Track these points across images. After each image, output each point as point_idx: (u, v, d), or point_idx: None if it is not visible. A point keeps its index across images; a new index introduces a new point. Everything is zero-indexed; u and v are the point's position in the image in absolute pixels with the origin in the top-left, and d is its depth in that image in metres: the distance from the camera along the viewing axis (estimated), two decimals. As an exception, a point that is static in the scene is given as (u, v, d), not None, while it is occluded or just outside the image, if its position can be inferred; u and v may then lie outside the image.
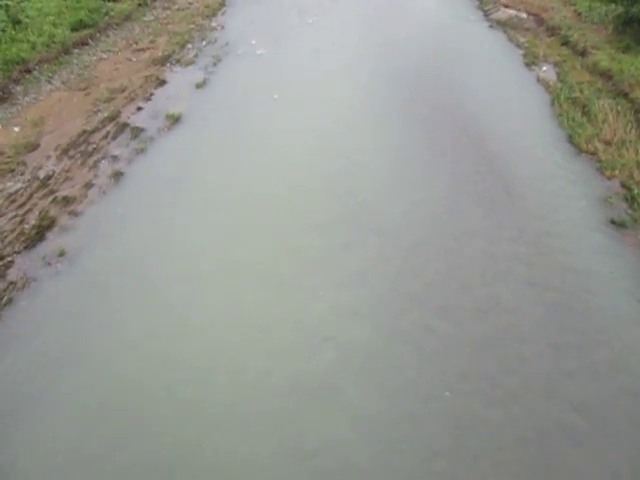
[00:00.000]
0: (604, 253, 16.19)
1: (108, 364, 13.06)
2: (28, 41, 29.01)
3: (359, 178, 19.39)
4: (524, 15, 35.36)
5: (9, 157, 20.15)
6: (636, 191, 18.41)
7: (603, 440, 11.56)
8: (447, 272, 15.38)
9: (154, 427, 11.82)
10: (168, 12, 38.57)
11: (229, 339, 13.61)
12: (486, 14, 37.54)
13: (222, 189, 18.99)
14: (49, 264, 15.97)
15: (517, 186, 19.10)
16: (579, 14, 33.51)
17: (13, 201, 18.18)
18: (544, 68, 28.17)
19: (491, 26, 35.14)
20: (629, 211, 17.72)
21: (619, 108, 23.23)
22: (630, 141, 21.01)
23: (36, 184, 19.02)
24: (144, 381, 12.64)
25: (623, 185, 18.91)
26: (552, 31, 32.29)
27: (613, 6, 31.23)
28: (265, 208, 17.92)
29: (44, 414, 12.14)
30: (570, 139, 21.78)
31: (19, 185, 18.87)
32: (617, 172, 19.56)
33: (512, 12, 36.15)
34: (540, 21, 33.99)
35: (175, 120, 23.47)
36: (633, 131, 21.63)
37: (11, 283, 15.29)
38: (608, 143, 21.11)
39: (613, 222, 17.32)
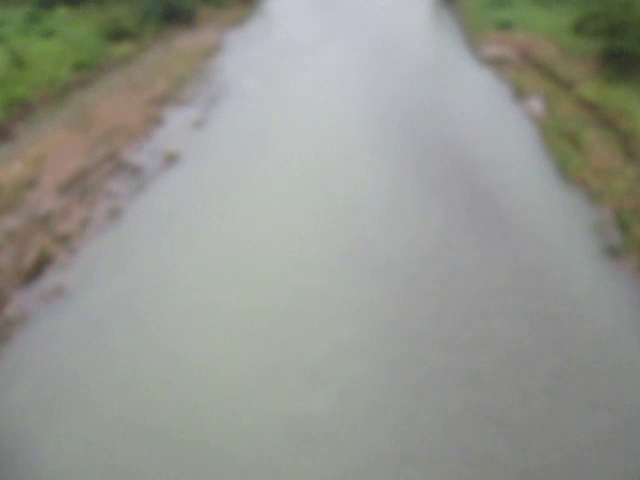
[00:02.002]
0: (600, 281, 15.61)
1: (101, 406, 12.31)
2: (31, 81, 28.68)
3: (354, 213, 18.89)
4: (510, 51, 35.25)
5: (9, 194, 19.59)
6: (627, 219, 17.90)
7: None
8: (444, 306, 14.75)
9: (146, 469, 11.07)
10: (167, 54, 38.45)
11: (228, 377, 12.90)
12: (474, 50, 37.52)
13: (220, 227, 18.46)
14: (46, 301, 15.32)
15: (510, 217, 18.60)
16: (563, 49, 33.40)
17: (12, 237, 17.56)
18: (532, 102, 27.91)
19: (479, 62, 35.08)
20: (621, 238, 17.19)
21: (606, 138, 22.88)
22: (618, 170, 20.59)
23: (35, 221, 18.43)
24: (138, 424, 11.89)
25: (614, 213, 18.40)
26: (538, 66, 32.13)
27: (596, 41, 31.08)
28: (262, 245, 17.38)
29: (33, 456, 11.37)
30: (560, 169, 21.37)
31: (18, 222, 18.27)
32: (607, 200, 19.08)
33: (499, 48, 36.06)
34: (526, 56, 33.86)
35: (173, 158, 23.04)
36: (621, 160, 21.22)
37: (8, 320, 14.60)
38: (597, 172, 20.67)
39: (607, 250, 16.77)
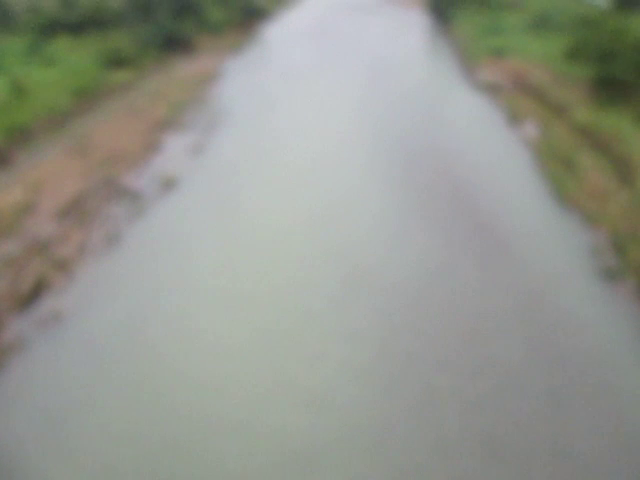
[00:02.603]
0: (597, 305, 15.43)
1: (99, 431, 12.06)
2: (31, 109, 28.71)
3: (355, 240, 18.77)
4: (504, 77, 35.44)
5: (7, 219, 19.45)
6: (623, 242, 17.80)
7: None
8: (442, 329, 14.57)
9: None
10: (166, 81, 38.59)
11: (226, 402, 12.66)
12: (469, 77, 37.74)
13: (217, 252, 18.31)
14: (43, 326, 15.09)
15: (508, 241, 18.48)
16: (556, 75, 33.58)
17: (9, 263, 17.38)
18: (526, 126, 27.97)
19: (474, 88, 35.27)
20: (618, 262, 17.06)
21: (600, 162, 22.87)
22: (613, 193, 20.53)
23: (33, 246, 18.26)
24: (136, 451, 11.64)
25: (609, 236, 18.30)
26: (531, 91, 32.27)
27: (587, 67, 31.26)
28: (259, 270, 17.21)
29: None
30: (555, 193, 21.31)
31: (16, 247, 18.11)
32: (603, 223, 18.99)
33: (493, 75, 36.27)
34: (520, 82, 34.03)
35: (171, 184, 22.97)
36: (615, 183, 21.18)
37: (4, 346, 14.36)
38: (592, 196, 20.62)
39: (604, 273, 16.64)
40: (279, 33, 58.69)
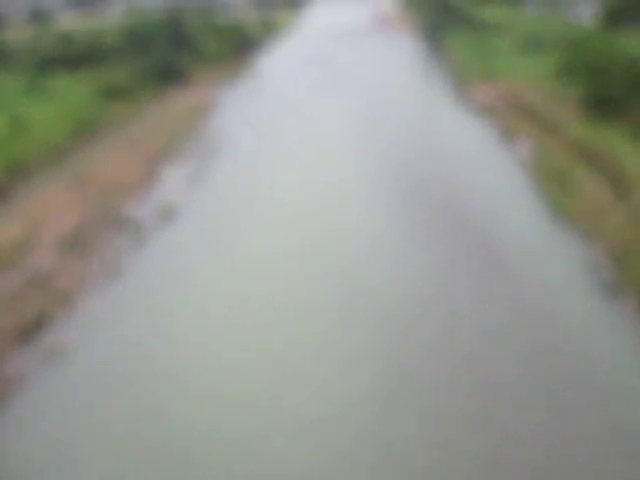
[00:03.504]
0: (598, 321, 15.24)
1: (98, 468, 11.77)
2: (30, 144, 28.73)
3: (353, 262, 18.64)
4: (498, 98, 35.59)
5: (8, 253, 19.30)
6: (621, 257, 17.65)
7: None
8: (444, 348, 14.34)
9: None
10: (163, 112, 38.72)
11: (224, 437, 12.39)
12: (463, 99, 37.92)
13: (217, 282, 18.11)
14: (44, 361, 14.84)
15: (506, 259, 18.34)
16: (548, 95, 33.74)
17: (10, 296, 17.19)
18: (521, 146, 28.00)
19: (469, 110, 35.42)
20: (616, 276, 16.90)
21: (595, 178, 22.83)
22: (609, 209, 20.45)
23: (33, 279, 18.07)
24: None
25: (607, 251, 18.16)
26: (525, 111, 32.38)
27: (579, 86, 31.43)
28: (259, 299, 17.01)
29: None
30: (553, 210, 21.23)
31: (17, 280, 17.93)
32: (600, 239, 18.86)
33: (487, 96, 36.43)
34: (513, 103, 34.15)
35: (170, 214, 22.85)
36: (611, 199, 21.11)
37: (5, 381, 14.11)
38: (589, 212, 20.52)
39: (603, 289, 16.47)
40: (272, 63, 59.13)
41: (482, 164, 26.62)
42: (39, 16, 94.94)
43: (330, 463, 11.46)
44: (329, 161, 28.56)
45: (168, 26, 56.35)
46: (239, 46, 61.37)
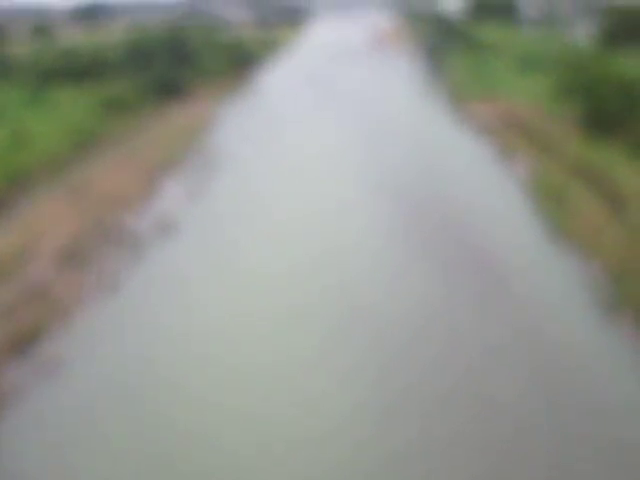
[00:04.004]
0: (597, 341, 15.08)
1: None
2: (31, 156, 28.68)
3: (352, 281, 18.50)
4: (496, 117, 35.66)
5: (5, 264, 19.14)
6: (619, 276, 17.54)
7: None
8: (442, 368, 14.17)
9: None
10: (164, 126, 38.75)
11: (221, 460, 12.18)
12: (462, 119, 38.00)
13: (216, 297, 17.90)
14: (40, 374, 14.63)
15: (505, 278, 18.20)
16: (546, 113, 33.82)
17: (6, 307, 16.99)
18: (519, 165, 27.98)
19: (467, 129, 35.48)
20: (615, 294, 16.78)
21: (593, 197, 22.78)
22: (607, 226, 20.38)
23: (31, 291, 17.90)
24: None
25: (606, 270, 18.05)
26: (523, 130, 32.43)
27: (576, 104, 31.51)
28: (258, 317, 16.80)
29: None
30: (550, 228, 21.16)
31: (14, 292, 17.75)
32: (599, 257, 18.75)
33: (485, 116, 36.51)
34: (511, 122, 34.22)
35: (169, 228, 22.72)
36: (608, 217, 21.04)
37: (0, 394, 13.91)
38: (587, 230, 20.43)
39: (602, 307, 16.34)
40: (272, 80, 59.37)
41: (480, 182, 26.61)
42: (42, 30, 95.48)
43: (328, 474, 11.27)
44: (328, 176, 28.53)
45: (170, 42, 56.62)
46: (240, 63, 61.65)
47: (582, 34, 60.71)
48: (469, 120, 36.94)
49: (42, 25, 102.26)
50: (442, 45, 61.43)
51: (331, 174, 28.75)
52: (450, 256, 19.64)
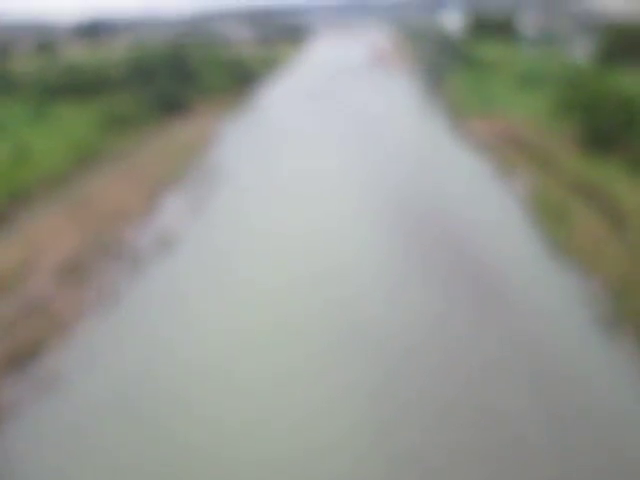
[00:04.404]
0: (597, 354, 15.02)
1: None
2: (33, 171, 28.74)
3: (352, 295, 18.47)
4: (495, 134, 35.76)
5: (6, 278, 19.10)
6: (619, 290, 17.50)
7: None
8: (442, 383, 14.10)
9: None
10: (165, 142, 38.86)
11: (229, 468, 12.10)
12: (461, 136, 38.10)
13: (215, 313, 17.82)
14: (39, 389, 14.55)
15: (506, 293, 18.14)
16: (545, 130, 33.92)
17: (6, 322, 16.94)
18: (518, 180, 28.01)
19: (467, 146, 35.56)
20: (615, 309, 16.73)
21: (592, 212, 22.78)
22: (607, 242, 20.35)
23: (31, 305, 17.84)
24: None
25: (606, 284, 18.01)
26: (522, 146, 32.50)
27: (574, 121, 31.63)
28: (258, 327, 16.81)
29: None
30: (550, 244, 21.12)
31: (14, 306, 17.70)
32: (599, 272, 18.72)
33: (484, 132, 36.62)
34: (510, 138, 34.31)
35: (169, 244, 22.69)
36: (607, 233, 21.02)
37: (-1, 409, 13.82)
38: (586, 245, 20.41)
39: (602, 322, 16.29)
40: (273, 97, 59.60)
41: (481, 199, 26.60)
42: (46, 47, 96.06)
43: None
44: (327, 190, 28.54)
45: (172, 59, 56.92)
46: (241, 80, 61.94)
47: (580, 52, 61.07)
48: (469, 137, 37.04)
49: (45, 41, 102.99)
50: (442, 63, 61.72)
51: (332, 189, 28.78)
52: (451, 271, 19.59)
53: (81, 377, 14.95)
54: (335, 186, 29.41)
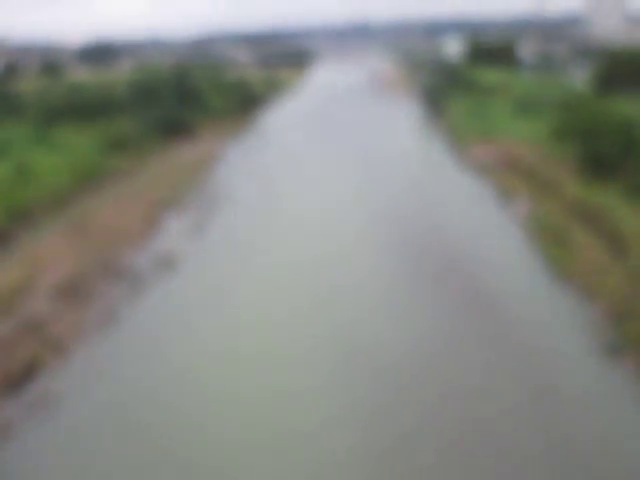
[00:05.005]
0: (598, 379, 14.85)
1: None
2: (34, 191, 28.76)
3: (356, 318, 18.39)
4: (495, 159, 35.82)
5: (5, 297, 19.00)
6: (620, 315, 17.37)
7: None
8: (443, 408, 13.94)
9: None
10: (167, 164, 38.93)
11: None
12: (462, 160, 38.17)
13: (213, 334, 17.67)
14: (34, 409, 14.33)
15: (508, 319, 17.98)
16: (544, 154, 33.99)
17: (3, 342, 16.79)
18: (519, 205, 27.98)
19: (467, 171, 35.61)
20: (616, 335, 16.59)
21: (592, 237, 22.68)
22: (607, 267, 20.24)
23: (27, 325, 17.64)
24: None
25: (607, 310, 17.87)
26: (521, 171, 32.52)
27: (573, 146, 31.69)
28: (255, 356, 16.59)
29: None
30: (552, 269, 20.91)
31: (11, 326, 17.57)
32: (600, 298, 18.55)
33: (484, 157, 36.68)
34: (510, 163, 34.36)
35: (169, 264, 22.58)
36: (608, 257, 20.93)
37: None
38: (587, 270, 20.29)
39: (603, 347, 16.13)
40: (276, 120, 59.88)
41: (481, 223, 26.53)
42: (51, 68, 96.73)
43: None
44: (328, 212, 28.48)
45: (175, 81, 57.25)
46: (244, 102, 62.25)
47: (578, 77, 61.48)
48: (469, 161, 37.11)
49: (51, 63, 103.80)
50: (442, 88, 62.00)
51: (331, 207, 28.78)
52: (452, 298, 19.45)
53: (76, 399, 14.74)
54: (335, 203, 29.42)
